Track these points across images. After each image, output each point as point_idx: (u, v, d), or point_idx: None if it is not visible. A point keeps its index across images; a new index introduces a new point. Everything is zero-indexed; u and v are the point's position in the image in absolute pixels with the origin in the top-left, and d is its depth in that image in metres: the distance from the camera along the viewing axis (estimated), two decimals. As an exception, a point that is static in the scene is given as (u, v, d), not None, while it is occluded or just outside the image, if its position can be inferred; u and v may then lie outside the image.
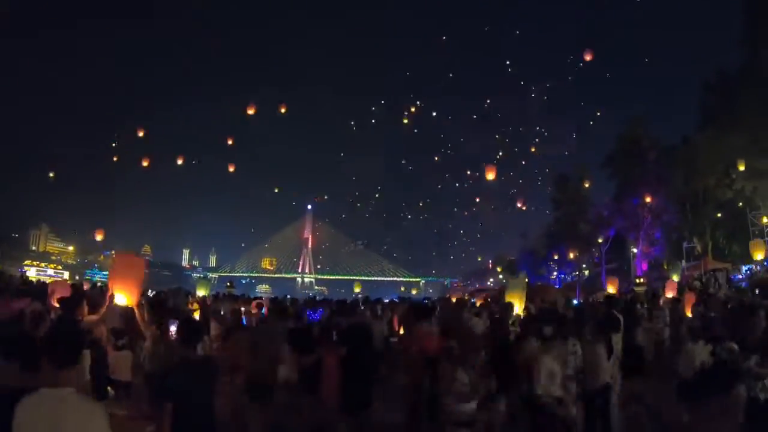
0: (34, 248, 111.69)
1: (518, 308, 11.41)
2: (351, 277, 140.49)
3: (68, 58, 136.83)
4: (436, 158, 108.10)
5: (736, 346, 4.93)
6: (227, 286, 25.69)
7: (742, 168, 31.43)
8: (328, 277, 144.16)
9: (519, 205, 59.03)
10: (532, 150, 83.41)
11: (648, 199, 40.94)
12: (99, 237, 51.89)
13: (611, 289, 15.41)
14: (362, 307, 14.80)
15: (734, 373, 2.68)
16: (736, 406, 2.30)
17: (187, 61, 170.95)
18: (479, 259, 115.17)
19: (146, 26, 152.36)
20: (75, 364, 2.98)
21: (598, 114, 74.94)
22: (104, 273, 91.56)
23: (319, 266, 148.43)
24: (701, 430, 2.41)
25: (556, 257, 63.91)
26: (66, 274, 67.71)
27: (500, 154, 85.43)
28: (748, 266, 32.95)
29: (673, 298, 12.71)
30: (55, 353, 3.00)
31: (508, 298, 11.92)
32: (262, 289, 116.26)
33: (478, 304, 15.52)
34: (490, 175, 37.25)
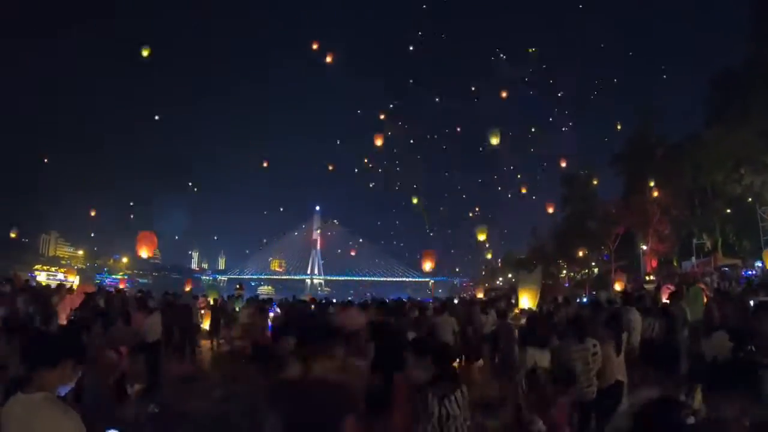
0: (43, 253, 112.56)
1: (530, 303, 11.36)
2: (360, 278, 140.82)
3: (76, 62, 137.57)
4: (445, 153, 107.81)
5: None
6: (236, 289, 25.79)
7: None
8: (337, 278, 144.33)
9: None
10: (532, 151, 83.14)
11: (655, 194, 40.75)
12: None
13: (618, 287, 15.22)
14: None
15: (744, 374, 2.57)
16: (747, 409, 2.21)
17: (191, 64, 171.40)
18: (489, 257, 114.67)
19: (156, 28, 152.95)
20: (44, 367, 2.90)
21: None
22: (114, 277, 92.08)
23: (327, 268, 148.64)
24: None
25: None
26: (77, 279, 67.95)
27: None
28: (759, 261, 32.75)
29: (673, 291, 12.48)
30: (25, 356, 3.04)
31: (520, 293, 11.89)
32: (264, 290, 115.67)
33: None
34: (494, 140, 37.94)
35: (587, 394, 6.59)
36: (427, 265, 33.31)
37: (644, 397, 2.16)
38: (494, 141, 37.78)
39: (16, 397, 2.86)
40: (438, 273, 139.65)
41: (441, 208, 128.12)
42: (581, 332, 6.78)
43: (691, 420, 2.00)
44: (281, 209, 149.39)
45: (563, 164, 53.63)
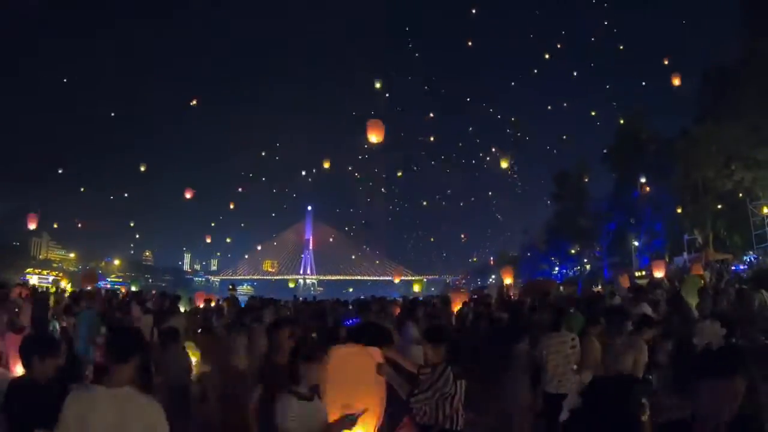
0: (35, 256, 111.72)
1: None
2: (353, 278, 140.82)
3: (70, 65, 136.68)
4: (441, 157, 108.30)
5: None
6: (230, 289, 25.70)
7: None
8: (330, 277, 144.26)
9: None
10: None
11: (646, 189, 41.16)
12: (32, 225, 40.25)
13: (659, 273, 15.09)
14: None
15: (738, 359, 2.68)
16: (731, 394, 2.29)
17: (187, 65, 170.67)
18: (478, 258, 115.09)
19: (144, 35, 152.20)
20: (124, 362, 3.05)
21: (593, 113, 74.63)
22: (108, 280, 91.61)
23: (320, 267, 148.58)
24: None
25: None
26: (68, 284, 67.61)
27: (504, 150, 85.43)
28: (749, 256, 33.07)
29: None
30: (108, 352, 3.21)
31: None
32: (243, 290, 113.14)
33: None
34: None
35: (564, 387, 6.45)
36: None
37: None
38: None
39: (97, 391, 2.93)
40: (430, 271, 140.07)
41: (424, 202, 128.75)
42: (558, 324, 6.87)
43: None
44: (273, 209, 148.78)
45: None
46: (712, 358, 2.58)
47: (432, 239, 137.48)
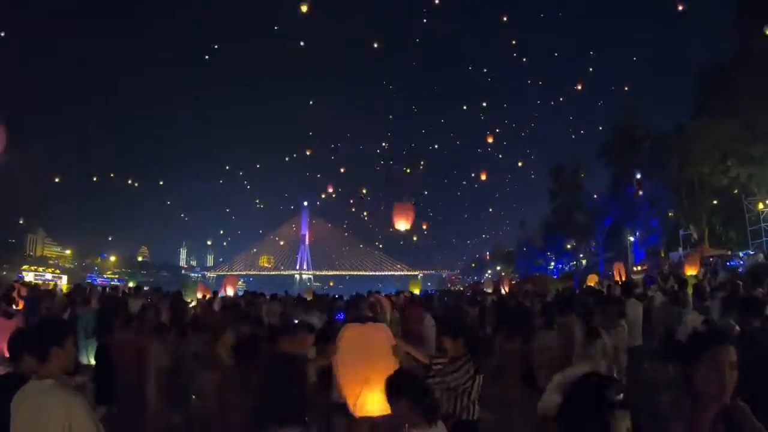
0: (31, 253, 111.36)
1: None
2: (349, 273, 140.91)
3: (64, 58, 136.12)
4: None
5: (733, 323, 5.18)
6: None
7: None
8: (326, 272, 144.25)
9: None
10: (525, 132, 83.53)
11: (641, 185, 41.27)
12: None
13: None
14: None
15: (723, 333, 2.78)
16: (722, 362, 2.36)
17: (180, 60, 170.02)
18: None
19: (139, 30, 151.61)
20: (48, 357, 3.01)
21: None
22: (104, 277, 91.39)
23: (316, 262, 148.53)
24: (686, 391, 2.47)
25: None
26: (64, 279, 67.51)
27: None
28: (744, 252, 33.22)
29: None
30: (31, 346, 3.15)
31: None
32: (237, 285, 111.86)
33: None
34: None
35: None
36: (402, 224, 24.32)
37: (574, 373, 2.29)
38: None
39: (28, 385, 2.93)
40: (426, 266, 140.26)
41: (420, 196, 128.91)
42: (551, 320, 6.96)
43: (620, 397, 2.12)
44: (269, 204, 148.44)
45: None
46: (703, 333, 2.66)
47: (419, 237, 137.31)
